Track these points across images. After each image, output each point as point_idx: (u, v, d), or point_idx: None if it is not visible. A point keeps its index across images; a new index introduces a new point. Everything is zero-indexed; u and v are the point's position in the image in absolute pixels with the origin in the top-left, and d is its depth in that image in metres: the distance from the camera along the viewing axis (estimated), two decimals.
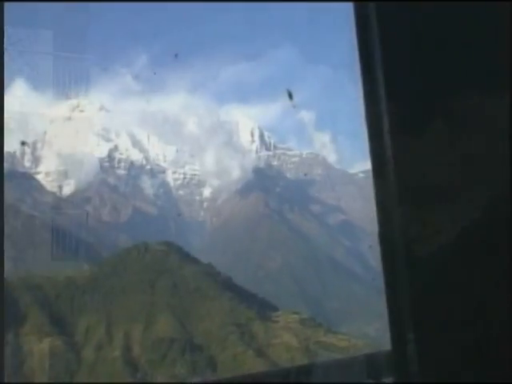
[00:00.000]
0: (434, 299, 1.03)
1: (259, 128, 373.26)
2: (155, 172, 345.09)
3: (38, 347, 78.96)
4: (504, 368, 0.96)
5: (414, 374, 0.87)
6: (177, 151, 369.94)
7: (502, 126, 1.47)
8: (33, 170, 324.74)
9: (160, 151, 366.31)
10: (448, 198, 1.41)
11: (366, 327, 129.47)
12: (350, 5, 1.39)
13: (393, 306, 0.97)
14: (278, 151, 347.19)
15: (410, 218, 1.11)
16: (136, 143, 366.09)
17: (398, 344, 0.94)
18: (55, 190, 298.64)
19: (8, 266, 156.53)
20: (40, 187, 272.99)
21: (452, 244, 1.27)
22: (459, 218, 1.36)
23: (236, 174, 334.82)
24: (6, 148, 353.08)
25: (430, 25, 1.02)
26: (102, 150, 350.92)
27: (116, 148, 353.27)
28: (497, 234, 1.39)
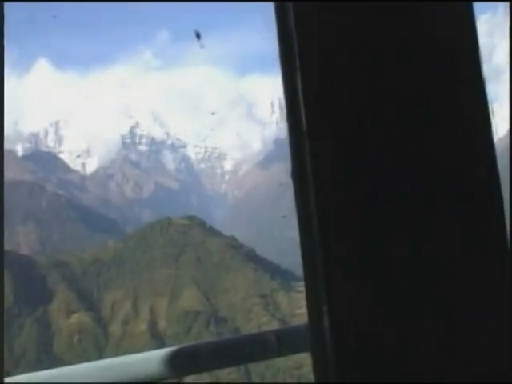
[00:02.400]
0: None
1: (279, 99, 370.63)
2: (176, 147, 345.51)
3: (66, 323, 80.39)
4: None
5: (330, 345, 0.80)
6: (197, 125, 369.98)
7: None
8: (56, 150, 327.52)
9: (181, 125, 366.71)
10: None
11: None
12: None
13: (309, 275, 0.85)
14: None
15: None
16: (157, 118, 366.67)
17: (313, 314, 0.84)
18: (78, 168, 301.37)
19: (35, 244, 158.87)
20: (64, 166, 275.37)
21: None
22: None
23: (257, 145, 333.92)
24: (31, 129, 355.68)
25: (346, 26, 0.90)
26: (124, 127, 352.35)
27: (137, 124, 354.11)
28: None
